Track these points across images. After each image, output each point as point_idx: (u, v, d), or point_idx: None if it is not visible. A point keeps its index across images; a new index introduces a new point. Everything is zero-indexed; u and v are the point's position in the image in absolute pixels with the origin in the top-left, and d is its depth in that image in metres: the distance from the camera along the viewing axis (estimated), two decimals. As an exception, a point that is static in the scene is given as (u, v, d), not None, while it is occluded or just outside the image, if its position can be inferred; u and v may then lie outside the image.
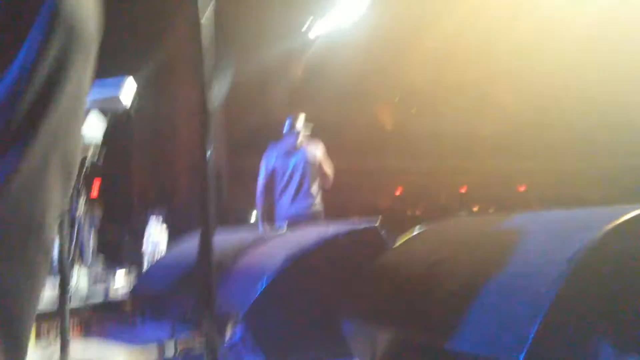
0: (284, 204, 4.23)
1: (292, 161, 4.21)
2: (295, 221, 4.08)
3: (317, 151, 4.30)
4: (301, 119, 4.31)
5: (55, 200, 0.68)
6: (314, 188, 4.23)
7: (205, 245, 1.77)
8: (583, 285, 1.32)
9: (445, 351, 1.35)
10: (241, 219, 10.13)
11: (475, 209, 19.66)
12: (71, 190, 0.73)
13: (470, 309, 1.39)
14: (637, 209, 1.44)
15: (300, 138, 4.22)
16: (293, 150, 4.21)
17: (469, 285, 1.45)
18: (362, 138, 17.64)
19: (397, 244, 2.04)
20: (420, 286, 1.61)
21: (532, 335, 1.21)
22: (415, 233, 2.04)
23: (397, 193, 20.78)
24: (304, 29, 12.90)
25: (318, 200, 4.26)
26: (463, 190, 21.12)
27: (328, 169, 4.31)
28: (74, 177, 0.73)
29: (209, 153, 1.67)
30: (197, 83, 1.61)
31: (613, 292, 1.38)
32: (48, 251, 0.67)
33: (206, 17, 1.59)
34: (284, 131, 4.28)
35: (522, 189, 21.40)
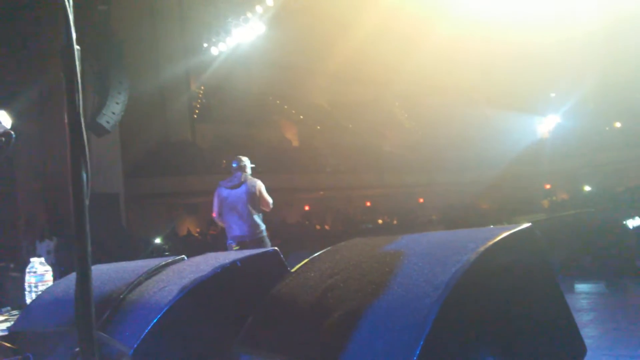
0: (231, 227, 5.52)
1: (237, 193, 5.47)
2: (241, 240, 5.43)
3: (256, 185, 5.57)
4: (245, 161, 5.63)
5: None
6: (255, 213, 5.48)
7: (83, 278, 1.65)
8: (462, 305, 1.40)
9: (336, 379, 1.36)
10: (140, 241, 9.66)
11: (380, 221, 20.42)
12: None
13: (358, 334, 1.41)
14: (507, 229, 1.56)
15: (244, 177, 5.54)
16: (238, 185, 5.50)
17: (358, 310, 1.48)
18: (268, 155, 17.63)
19: (295, 268, 2.04)
20: (313, 314, 1.62)
21: (416, 356, 1.26)
22: (312, 257, 2.06)
23: (307, 208, 21.02)
24: (206, 46, 12.73)
25: (259, 222, 5.54)
26: (368, 204, 21.85)
27: (267, 197, 5.56)
28: None
29: (83, 178, 1.57)
30: (69, 107, 1.51)
31: (490, 309, 1.49)
32: None
33: (71, 43, 1.50)
34: (232, 169, 5.65)
35: (421, 200, 22.60)
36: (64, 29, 1.54)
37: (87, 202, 1.53)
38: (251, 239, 5.40)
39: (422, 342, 1.29)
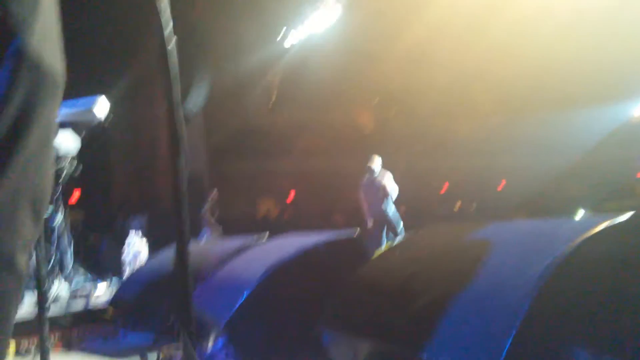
0: (370, 209, 7.26)
1: (373, 188, 7.23)
2: (377, 219, 7.18)
3: (385, 179, 7.23)
4: (377, 161, 7.43)
5: (26, 235, 0.70)
6: (384, 202, 7.17)
7: (182, 254, 1.77)
8: (554, 297, 1.36)
9: (422, 364, 1.38)
10: (223, 222, 10.10)
11: (457, 206, 19.84)
12: (42, 224, 0.75)
13: (445, 322, 1.42)
14: (602, 221, 1.48)
15: (376, 174, 7.25)
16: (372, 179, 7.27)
17: (443, 299, 1.48)
18: (342, 140, 17.68)
19: (376, 255, 2.07)
20: (398, 299, 1.64)
21: (505, 349, 1.24)
22: (393, 244, 2.07)
23: (380, 192, 20.87)
24: (279, 38, 12.90)
25: (385, 207, 7.19)
26: (443, 191, 21.31)
27: (392, 189, 7.21)
28: (45, 211, 0.75)
29: (181, 163, 1.68)
30: (166, 98, 1.61)
31: (583, 302, 1.43)
32: (20, 283, 0.70)
33: (169, 36, 1.60)
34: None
35: (500, 186, 21.68)
36: (162, 21, 1.62)
37: (185, 186, 1.63)
38: (382, 218, 7.23)
39: (513, 334, 1.27)
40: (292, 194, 18.45)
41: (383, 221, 7.14)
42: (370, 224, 7.28)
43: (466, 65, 17.21)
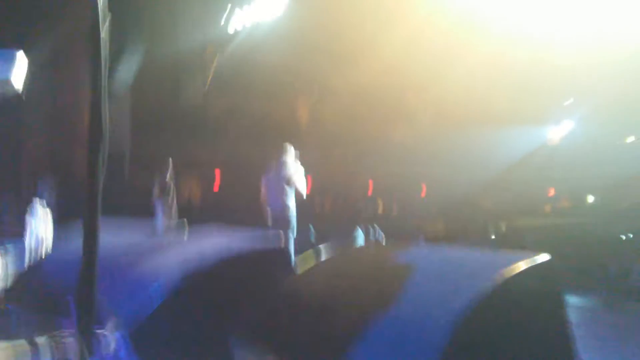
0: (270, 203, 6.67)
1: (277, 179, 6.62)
2: (274, 213, 6.54)
3: (292, 172, 6.61)
4: (289, 152, 6.67)
5: None
6: (283, 195, 6.58)
7: (90, 244, 1.65)
8: (472, 332, 1.37)
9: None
10: (141, 198, 9.60)
11: (379, 209, 20.33)
12: None
13: (363, 347, 1.39)
14: (527, 259, 1.52)
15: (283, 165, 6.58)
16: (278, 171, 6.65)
17: (362, 324, 1.45)
18: (274, 134, 17.51)
19: (302, 270, 2.01)
20: (316, 320, 1.60)
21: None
22: (320, 261, 2.03)
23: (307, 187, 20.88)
24: (222, 21, 12.49)
25: (284, 201, 6.58)
26: (370, 191, 21.78)
27: (295, 184, 6.60)
28: None
29: (100, 157, 1.54)
30: (92, 82, 1.47)
31: (501, 336, 1.46)
32: None
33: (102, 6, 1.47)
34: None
35: (423, 194, 22.51)
36: (91, 15, 1.49)
37: (100, 197, 1.51)
38: (282, 212, 6.63)
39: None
40: (217, 182, 18.05)
41: (280, 215, 6.57)
42: (269, 219, 6.75)
43: (403, 73, 17.67)
